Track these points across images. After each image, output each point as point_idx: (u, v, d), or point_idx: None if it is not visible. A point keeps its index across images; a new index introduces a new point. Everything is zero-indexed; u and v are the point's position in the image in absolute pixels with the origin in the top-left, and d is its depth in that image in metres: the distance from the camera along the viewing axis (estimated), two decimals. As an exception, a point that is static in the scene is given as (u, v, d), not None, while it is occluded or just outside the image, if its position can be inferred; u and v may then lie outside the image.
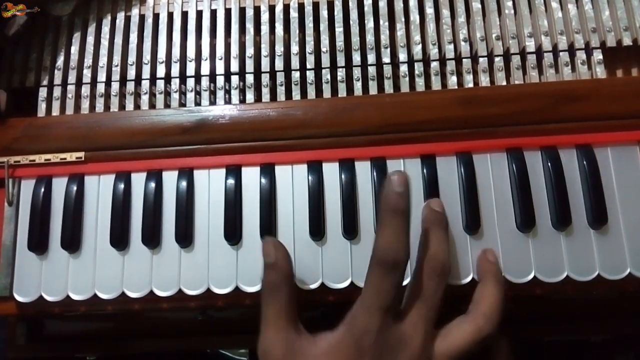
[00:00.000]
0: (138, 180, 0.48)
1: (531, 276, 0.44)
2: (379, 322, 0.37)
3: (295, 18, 0.52)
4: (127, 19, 0.54)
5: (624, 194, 0.45)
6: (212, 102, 0.51)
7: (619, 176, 0.46)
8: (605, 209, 0.44)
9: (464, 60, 0.51)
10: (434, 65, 0.50)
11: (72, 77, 0.52)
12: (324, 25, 0.52)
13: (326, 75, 0.51)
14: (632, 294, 0.46)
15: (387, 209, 0.38)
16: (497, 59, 0.50)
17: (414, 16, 0.52)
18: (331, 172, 0.47)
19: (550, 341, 0.59)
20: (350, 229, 0.45)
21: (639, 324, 0.52)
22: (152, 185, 0.48)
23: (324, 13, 0.52)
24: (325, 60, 0.51)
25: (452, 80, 0.50)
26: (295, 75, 0.51)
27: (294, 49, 0.51)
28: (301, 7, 0.53)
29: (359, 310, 0.39)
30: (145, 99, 0.52)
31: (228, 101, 0.51)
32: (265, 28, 0.52)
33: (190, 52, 0.52)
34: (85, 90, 0.52)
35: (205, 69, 0.52)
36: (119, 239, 0.47)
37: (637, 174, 0.46)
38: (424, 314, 0.39)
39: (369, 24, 0.52)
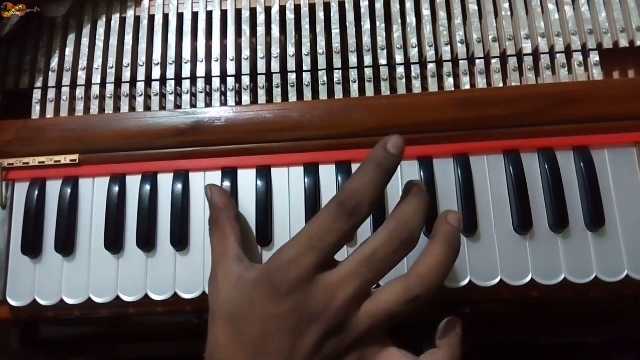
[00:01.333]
0: (133, 183, 0.48)
1: (528, 279, 0.44)
2: (308, 260, 0.34)
3: (292, 20, 0.52)
4: (123, 21, 0.54)
5: (622, 196, 0.45)
6: (208, 104, 0.51)
7: (616, 178, 0.46)
8: (602, 211, 0.44)
9: (460, 62, 0.50)
10: (431, 67, 0.50)
11: (66, 79, 0.52)
12: (320, 27, 0.52)
13: (323, 77, 0.50)
14: (630, 296, 0.46)
15: (371, 160, 0.36)
16: (493, 61, 0.50)
17: (411, 18, 0.52)
18: (328, 175, 0.47)
19: (548, 344, 0.59)
20: (347, 232, 0.45)
21: (637, 326, 0.52)
22: (147, 188, 0.47)
23: (320, 15, 0.52)
24: (322, 62, 0.51)
25: (449, 82, 0.50)
26: (292, 77, 0.51)
27: (291, 50, 0.51)
28: (297, 9, 0.52)
29: (292, 243, 0.35)
30: (140, 100, 0.51)
31: (224, 103, 0.51)
32: (261, 30, 0.52)
33: (186, 54, 0.52)
34: (80, 92, 0.52)
35: (201, 70, 0.52)
36: (114, 242, 0.46)
37: (634, 176, 0.46)
38: (362, 272, 0.34)
39: (366, 25, 0.51)
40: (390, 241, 0.35)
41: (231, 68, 0.51)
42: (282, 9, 0.52)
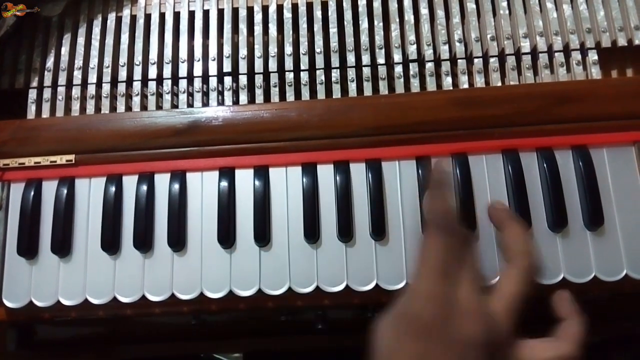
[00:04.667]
0: (129, 183, 0.48)
1: (528, 278, 0.44)
2: (443, 290, 0.34)
3: (289, 19, 0.52)
4: (119, 20, 0.53)
5: (620, 195, 0.45)
6: (205, 104, 0.51)
7: (615, 177, 0.45)
8: (601, 210, 0.44)
9: (458, 61, 0.50)
10: (429, 66, 0.50)
11: (62, 79, 0.52)
12: (317, 26, 0.51)
13: (320, 76, 0.50)
14: (629, 295, 0.46)
15: (435, 180, 0.38)
16: (492, 60, 0.50)
17: (409, 17, 0.51)
18: (326, 174, 0.47)
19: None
20: (346, 232, 0.45)
21: (636, 325, 0.52)
22: (144, 188, 0.47)
23: (317, 14, 0.52)
24: (320, 61, 0.51)
25: (447, 81, 0.50)
26: (289, 76, 0.50)
27: (288, 49, 0.51)
28: (295, 8, 0.52)
29: (418, 281, 0.35)
30: (136, 100, 0.51)
31: (221, 102, 0.51)
32: (258, 29, 0.52)
33: (183, 53, 0.52)
34: (76, 91, 0.51)
35: (197, 70, 0.51)
36: (110, 243, 0.46)
37: (633, 175, 0.46)
38: (480, 282, 0.36)
39: (363, 24, 0.51)
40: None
41: (228, 67, 0.51)
42: (280, 8, 0.52)
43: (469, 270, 0.36)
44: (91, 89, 0.51)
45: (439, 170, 0.39)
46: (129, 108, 0.51)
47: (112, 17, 0.53)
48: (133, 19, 0.53)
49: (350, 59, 0.50)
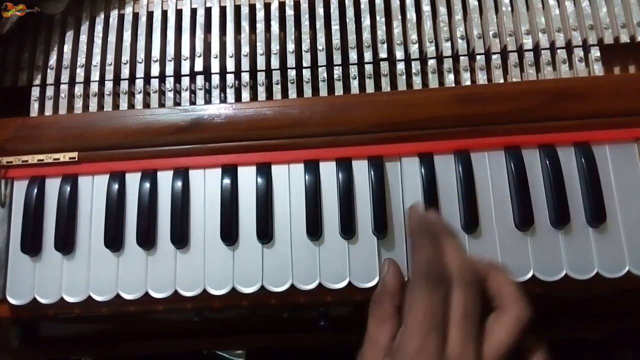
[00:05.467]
0: (132, 181, 0.48)
1: (530, 275, 0.44)
2: (433, 344, 0.34)
3: (291, 16, 0.52)
4: (121, 17, 0.53)
5: (623, 192, 0.45)
6: (208, 101, 0.51)
7: (618, 174, 0.45)
8: (603, 207, 0.44)
9: (461, 57, 0.50)
10: (431, 63, 0.50)
11: (65, 77, 0.52)
12: (320, 23, 0.51)
13: (323, 73, 0.50)
14: (631, 292, 0.46)
15: (421, 230, 0.38)
16: (494, 57, 0.50)
17: (411, 14, 0.51)
18: (328, 171, 0.47)
19: (549, 339, 0.59)
20: (348, 229, 0.45)
21: (638, 322, 0.52)
22: (147, 185, 0.47)
23: (319, 11, 0.52)
24: (322, 59, 0.51)
25: (450, 78, 0.50)
26: (292, 73, 0.50)
27: (290, 47, 0.51)
28: (297, 5, 0.52)
29: (408, 334, 0.35)
30: (139, 98, 0.51)
31: (223, 100, 0.51)
32: (260, 26, 0.52)
33: (185, 51, 0.52)
34: (79, 89, 0.51)
35: (200, 67, 0.51)
36: (114, 240, 0.46)
37: (635, 172, 0.46)
38: (470, 329, 0.36)
39: (366, 21, 0.51)
40: (468, 293, 0.36)
41: (230, 65, 0.51)
42: (282, 5, 0.52)
43: (460, 315, 0.36)
44: (94, 87, 0.51)
45: (416, 218, 0.39)
46: (131, 106, 0.51)
47: (114, 15, 0.53)
48: (135, 16, 0.53)
49: (353, 56, 0.50)
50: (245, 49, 0.51)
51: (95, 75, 0.52)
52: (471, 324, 0.36)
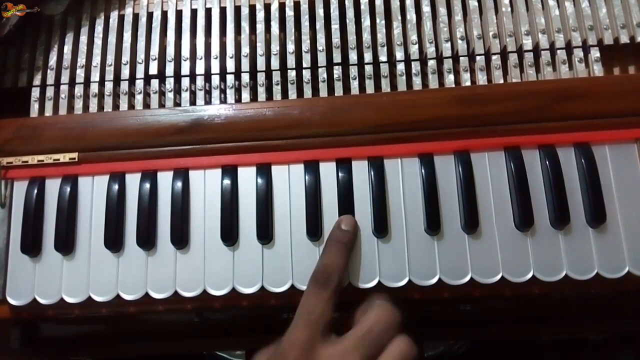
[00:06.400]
0: (132, 181, 0.48)
1: (530, 275, 0.44)
2: (306, 336, 0.39)
3: (291, 16, 0.52)
4: (121, 18, 0.53)
5: (623, 192, 0.45)
6: (208, 102, 0.51)
7: (617, 174, 0.45)
8: (603, 208, 0.44)
9: (461, 58, 0.50)
10: (431, 63, 0.50)
11: (65, 77, 0.52)
12: (320, 24, 0.51)
13: (323, 74, 0.50)
14: (631, 293, 0.46)
15: (332, 239, 0.44)
16: (494, 57, 0.50)
17: (411, 14, 0.51)
18: (328, 172, 0.47)
19: (550, 340, 0.59)
20: (348, 229, 0.45)
21: (638, 322, 0.52)
22: (147, 186, 0.47)
23: (319, 11, 0.52)
24: (322, 59, 0.51)
25: (450, 79, 0.50)
26: (292, 74, 0.50)
27: (290, 47, 0.51)
28: (297, 6, 0.52)
29: (290, 327, 0.40)
30: (139, 98, 0.51)
31: (223, 101, 0.51)
32: (260, 27, 0.52)
33: (185, 51, 0.52)
34: (79, 90, 0.51)
35: (200, 68, 0.51)
36: (114, 240, 0.46)
37: (635, 172, 0.46)
38: (361, 346, 0.39)
39: (366, 22, 0.51)
40: (383, 319, 0.41)
41: (230, 65, 0.51)
42: (282, 6, 0.52)
43: (360, 333, 0.40)
44: (94, 87, 0.51)
45: (341, 227, 0.44)
46: (131, 106, 0.51)
47: (114, 16, 0.53)
48: (135, 17, 0.53)
49: (353, 56, 0.50)
50: (245, 50, 0.51)
51: (95, 76, 0.52)
52: (369, 342, 0.39)
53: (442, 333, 0.55)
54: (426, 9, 0.51)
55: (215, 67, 0.51)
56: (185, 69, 0.51)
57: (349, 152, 0.47)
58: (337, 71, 0.50)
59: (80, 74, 0.52)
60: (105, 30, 0.53)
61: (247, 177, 0.47)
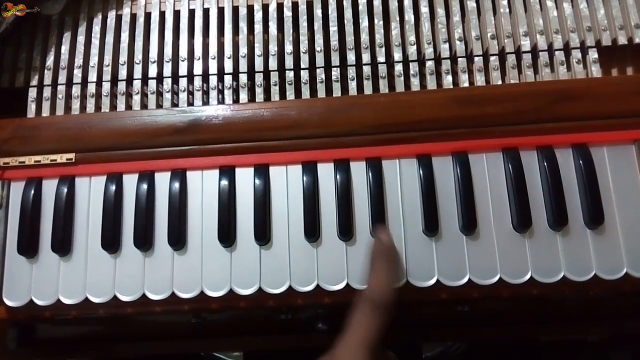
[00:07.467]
0: (130, 182, 0.48)
1: (528, 276, 0.44)
2: (364, 358, 0.38)
3: (289, 17, 0.52)
4: (119, 18, 0.53)
5: (621, 194, 0.45)
6: (205, 102, 0.51)
7: (615, 176, 0.45)
8: (601, 209, 0.44)
9: (459, 59, 0.50)
10: (429, 64, 0.50)
11: (62, 77, 0.52)
12: (318, 25, 0.51)
13: (320, 74, 0.50)
14: (629, 294, 0.46)
15: (377, 256, 0.42)
16: (492, 58, 0.50)
17: (409, 15, 0.51)
18: (326, 173, 0.47)
19: (547, 341, 0.59)
20: (346, 230, 0.45)
21: (636, 324, 0.52)
22: (144, 186, 0.47)
23: (317, 12, 0.52)
24: (320, 60, 0.50)
25: (448, 80, 0.50)
26: (290, 74, 0.50)
27: (288, 48, 0.51)
28: (295, 6, 0.52)
29: (343, 350, 0.39)
30: (137, 99, 0.51)
31: (221, 101, 0.51)
32: (258, 27, 0.52)
33: (183, 52, 0.52)
34: (76, 90, 0.51)
35: (198, 68, 0.51)
36: (111, 241, 0.46)
37: (633, 174, 0.46)
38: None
39: (364, 23, 0.51)
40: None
41: (228, 66, 0.51)
42: (280, 7, 0.52)
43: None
44: (91, 88, 0.51)
45: (382, 243, 0.42)
46: (129, 107, 0.51)
47: (112, 16, 0.53)
48: (133, 17, 0.53)
49: (351, 57, 0.50)
50: (243, 50, 0.51)
51: (92, 76, 0.52)
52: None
53: (440, 334, 0.55)
54: (424, 10, 0.51)
55: (213, 67, 0.51)
56: (183, 69, 0.51)
57: (347, 153, 0.47)
58: (335, 72, 0.50)
59: (77, 74, 0.52)
60: (102, 30, 0.53)
61: (245, 178, 0.47)
